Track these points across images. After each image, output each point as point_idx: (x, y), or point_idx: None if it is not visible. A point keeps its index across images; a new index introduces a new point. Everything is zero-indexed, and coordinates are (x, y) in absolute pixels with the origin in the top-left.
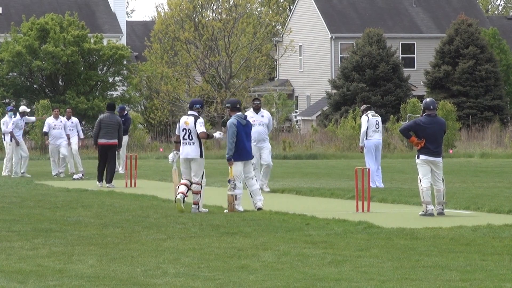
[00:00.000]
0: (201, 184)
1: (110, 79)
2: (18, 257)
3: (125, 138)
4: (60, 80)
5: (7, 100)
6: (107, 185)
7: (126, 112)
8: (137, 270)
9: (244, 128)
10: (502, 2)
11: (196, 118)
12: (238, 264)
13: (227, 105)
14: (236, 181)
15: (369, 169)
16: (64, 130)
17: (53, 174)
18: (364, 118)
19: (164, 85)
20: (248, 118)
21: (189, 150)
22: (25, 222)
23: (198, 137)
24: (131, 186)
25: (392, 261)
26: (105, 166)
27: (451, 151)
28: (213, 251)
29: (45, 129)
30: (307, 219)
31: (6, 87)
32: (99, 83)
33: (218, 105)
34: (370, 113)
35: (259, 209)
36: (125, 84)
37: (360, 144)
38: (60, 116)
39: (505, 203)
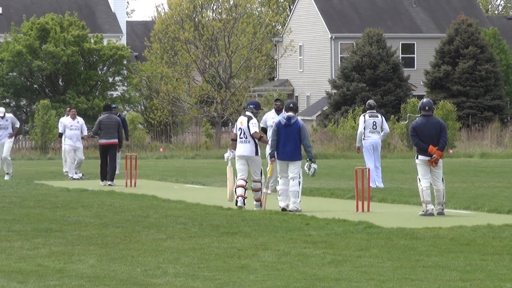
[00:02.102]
0: (260, 181)
1: (110, 79)
2: (18, 257)
3: None
4: (60, 80)
5: (7, 100)
6: (109, 182)
7: (119, 113)
8: (137, 270)
9: (285, 129)
10: (502, 2)
11: (249, 119)
12: (238, 264)
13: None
14: (278, 177)
15: (369, 169)
16: (81, 132)
17: (70, 176)
18: (361, 119)
19: (164, 85)
20: (268, 119)
21: (244, 148)
22: (25, 222)
23: (252, 136)
24: (131, 186)
25: (392, 261)
26: (107, 165)
27: (451, 151)
28: (213, 251)
29: (60, 130)
30: (307, 219)
31: (6, 87)
32: (99, 83)
33: (218, 105)
34: (369, 113)
35: (291, 211)
36: (125, 84)
37: (357, 145)
38: (77, 117)
39: (505, 203)
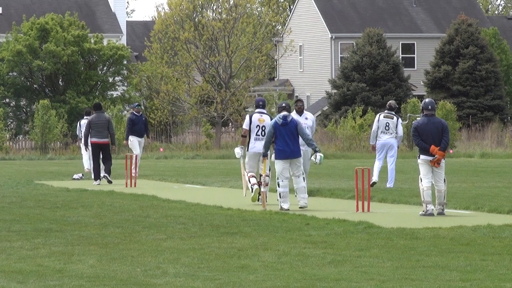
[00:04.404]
0: (269, 176)
1: (110, 79)
2: (18, 257)
3: (142, 140)
4: (60, 80)
5: (7, 100)
6: (105, 174)
7: (141, 112)
8: (137, 270)
9: (284, 129)
10: (502, 2)
11: (271, 117)
12: (238, 264)
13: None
14: (278, 179)
15: (369, 169)
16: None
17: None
18: (376, 118)
19: (164, 85)
20: None
21: (260, 145)
22: (25, 222)
23: None
24: (131, 186)
25: (392, 261)
26: (99, 165)
27: (451, 151)
28: (213, 251)
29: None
30: (307, 219)
31: (6, 87)
32: (99, 83)
33: (218, 105)
34: (384, 113)
35: (301, 207)
36: (125, 84)
37: (371, 143)
38: None
39: (505, 203)
